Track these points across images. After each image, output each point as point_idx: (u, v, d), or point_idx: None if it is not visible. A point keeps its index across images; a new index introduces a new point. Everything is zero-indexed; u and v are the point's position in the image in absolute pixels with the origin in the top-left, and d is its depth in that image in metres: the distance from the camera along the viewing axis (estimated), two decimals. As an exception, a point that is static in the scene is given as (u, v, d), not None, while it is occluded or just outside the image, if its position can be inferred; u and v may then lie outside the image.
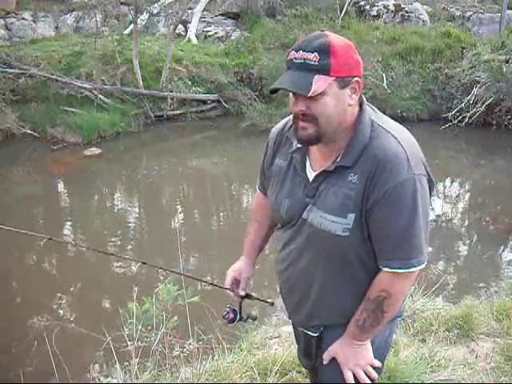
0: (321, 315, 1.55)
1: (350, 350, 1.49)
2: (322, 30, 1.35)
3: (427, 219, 1.37)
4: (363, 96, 1.41)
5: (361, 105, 1.40)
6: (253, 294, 1.76)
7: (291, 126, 1.52)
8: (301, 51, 1.28)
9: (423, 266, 1.38)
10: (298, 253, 1.50)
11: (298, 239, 1.49)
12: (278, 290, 1.72)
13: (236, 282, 1.77)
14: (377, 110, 1.45)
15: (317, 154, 1.45)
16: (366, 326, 1.44)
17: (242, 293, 1.74)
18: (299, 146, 1.47)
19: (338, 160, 1.38)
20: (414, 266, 1.36)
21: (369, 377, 1.49)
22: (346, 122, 1.36)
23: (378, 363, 1.51)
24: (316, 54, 1.26)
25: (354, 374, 1.49)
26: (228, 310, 1.76)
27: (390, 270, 1.37)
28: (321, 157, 1.44)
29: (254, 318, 1.81)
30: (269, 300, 1.76)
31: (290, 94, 1.35)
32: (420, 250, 1.36)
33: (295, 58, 1.29)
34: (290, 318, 1.70)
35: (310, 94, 1.26)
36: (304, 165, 1.47)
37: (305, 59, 1.27)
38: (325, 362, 1.54)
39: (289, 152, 1.52)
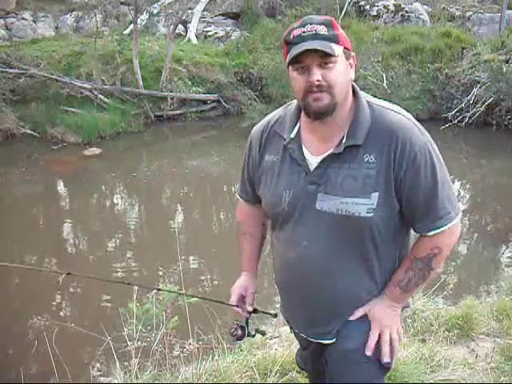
0: (339, 312, 1.51)
1: (386, 310, 1.49)
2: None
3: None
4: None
5: (353, 86, 1.44)
6: (258, 308, 1.74)
7: (277, 122, 1.53)
8: (308, 25, 1.33)
9: (460, 214, 1.44)
10: (314, 247, 1.44)
11: (312, 233, 1.44)
12: (281, 302, 1.68)
13: (242, 299, 1.73)
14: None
15: (314, 139, 1.44)
16: (410, 285, 1.46)
17: (250, 308, 1.72)
18: (292, 136, 1.46)
19: (344, 141, 1.38)
20: (454, 218, 1.40)
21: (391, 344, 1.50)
22: (348, 98, 1.40)
23: (401, 332, 1.54)
24: (323, 26, 1.33)
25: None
26: (235, 326, 1.73)
27: (438, 231, 1.40)
28: (320, 141, 1.43)
29: (263, 333, 1.81)
30: (272, 312, 1.76)
31: (295, 73, 1.36)
32: (453, 201, 1.41)
33: (304, 32, 1.32)
34: (300, 332, 1.64)
35: (336, 54, 1.31)
36: (302, 153, 1.45)
37: (316, 30, 1.32)
38: (352, 318, 1.51)
39: (280, 145, 1.49)
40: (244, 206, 1.73)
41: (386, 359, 1.49)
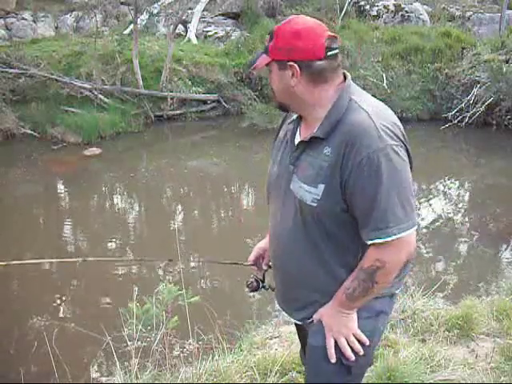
0: (296, 292, 1.59)
1: (336, 316, 1.51)
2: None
3: (409, 185, 1.39)
4: (348, 75, 1.50)
5: (346, 79, 1.49)
6: None
7: None
8: (268, 35, 1.49)
9: (408, 232, 1.38)
10: (284, 225, 1.56)
11: (284, 210, 1.56)
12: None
13: (261, 258, 1.86)
14: (362, 91, 1.51)
15: (303, 125, 1.57)
16: (355, 295, 1.46)
17: (265, 267, 1.84)
18: (294, 117, 1.60)
19: (315, 131, 1.47)
20: (394, 234, 1.36)
21: (352, 349, 1.51)
22: (305, 100, 1.47)
23: (364, 339, 1.51)
24: (269, 37, 1.47)
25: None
26: (252, 280, 1.86)
27: (373, 242, 1.39)
28: (305, 128, 1.54)
29: (274, 289, 1.85)
30: None
31: None
32: (399, 216, 1.36)
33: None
34: (279, 306, 1.75)
35: (249, 69, 1.53)
36: (295, 134, 1.57)
37: (265, 41, 1.48)
38: (315, 321, 1.56)
39: (287, 125, 1.64)
40: None
41: (350, 361, 1.52)
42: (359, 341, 1.51)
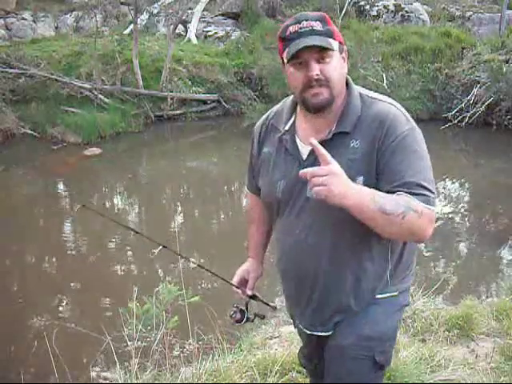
0: (331, 301, 1.53)
1: (343, 180, 1.26)
2: None
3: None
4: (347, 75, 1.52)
5: (346, 78, 1.49)
6: (258, 295, 1.77)
7: (275, 115, 1.60)
8: (304, 21, 1.36)
9: (436, 206, 1.44)
10: (305, 235, 1.49)
11: (304, 220, 1.48)
12: (282, 291, 1.69)
13: (244, 282, 1.77)
14: (361, 88, 1.53)
15: (307, 129, 1.48)
16: (380, 205, 1.27)
17: (249, 292, 1.75)
18: (287, 128, 1.52)
19: (334, 128, 1.43)
20: (432, 205, 1.39)
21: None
22: (343, 90, 1.45)
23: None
24: (318, 22, 1.37)
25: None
26: (235, 309, 1.76)
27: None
28: (313, 131, 1.46)
29: (262, 317, 1.81)
30: (271, 304, 1.77)
31: (292, 68, 1.39)
32: (432, 189, 1.41)
33: (301, 28, 1.36)
34: (298, 322, 1.66)
35: (335, 49, 1.38)
36: (295, 144, 1.50)
37: (312, 26, 1.36)
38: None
39: (276, 138, 1.55)
40: (251, 196, 1.80)
41: (381, 358, 1.52)
42: (386, 340, 1.53)
